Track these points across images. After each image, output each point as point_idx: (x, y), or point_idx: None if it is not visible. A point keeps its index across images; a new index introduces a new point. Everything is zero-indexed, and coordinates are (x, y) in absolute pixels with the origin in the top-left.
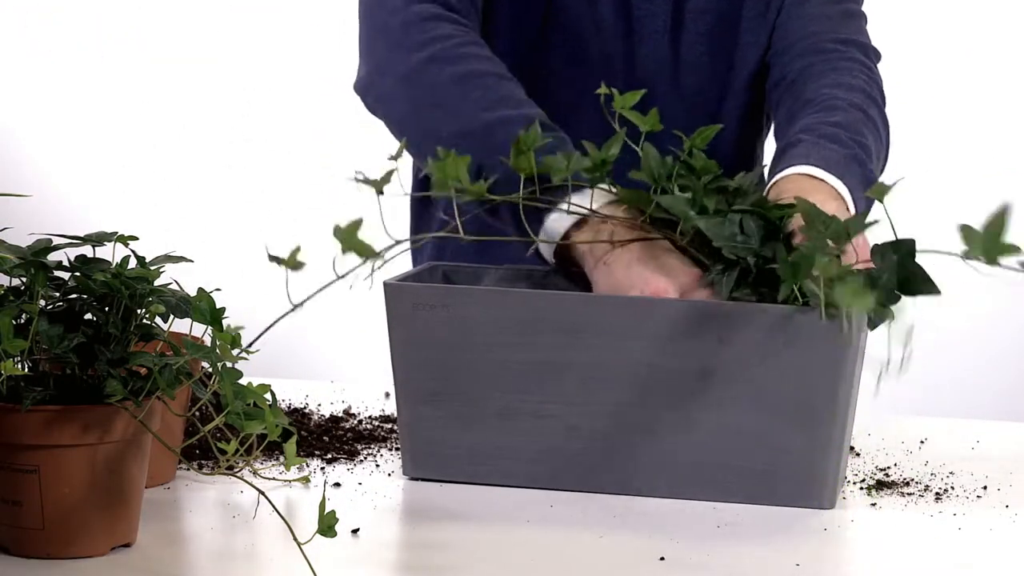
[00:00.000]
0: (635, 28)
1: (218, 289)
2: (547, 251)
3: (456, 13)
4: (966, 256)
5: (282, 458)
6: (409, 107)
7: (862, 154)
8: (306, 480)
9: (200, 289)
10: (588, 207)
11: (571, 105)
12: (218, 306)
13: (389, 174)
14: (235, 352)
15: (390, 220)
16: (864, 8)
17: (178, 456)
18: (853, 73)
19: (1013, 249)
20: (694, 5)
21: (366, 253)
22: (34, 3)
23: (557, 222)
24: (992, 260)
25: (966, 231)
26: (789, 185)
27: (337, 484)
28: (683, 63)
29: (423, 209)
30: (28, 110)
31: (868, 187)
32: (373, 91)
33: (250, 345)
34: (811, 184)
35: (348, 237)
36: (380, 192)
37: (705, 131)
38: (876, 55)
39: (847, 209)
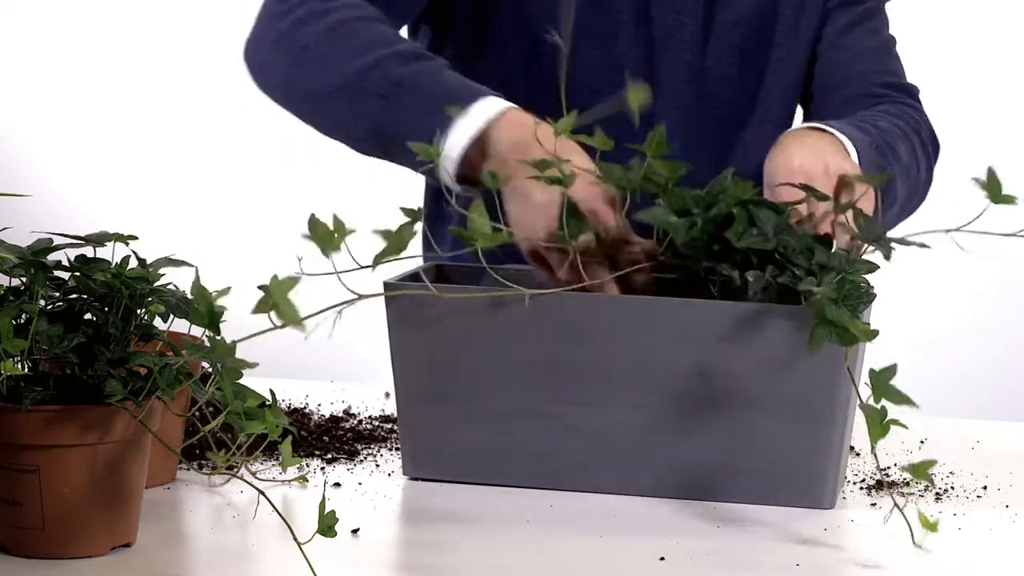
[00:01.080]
0: (658, 36)
1: (218, 290)
2: (449, 173)
3: None
4: (994, 200)
5: (281, 458)
6: (282, 72)
7: (887, 150)
8: (304, 479)
9: (200, 289)
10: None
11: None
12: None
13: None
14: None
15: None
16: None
17: (179, 457)
18: (905, 111)
19: (1011, 199)
20: (725, 17)
21: (290, 319)
22: (34, 3)
23: (457, 140)
24: (1009, 201)
25: (984, 181)
26: (792, 134)
27: (337, 484)
28: (711, 75)
29: (436, 202)
30: (28, 110)
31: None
32: (250, 61)
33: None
34: (816, 133)
35: (279, 292)
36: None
37: (676, 167)
38: (917, 92)
39: (847, 157)
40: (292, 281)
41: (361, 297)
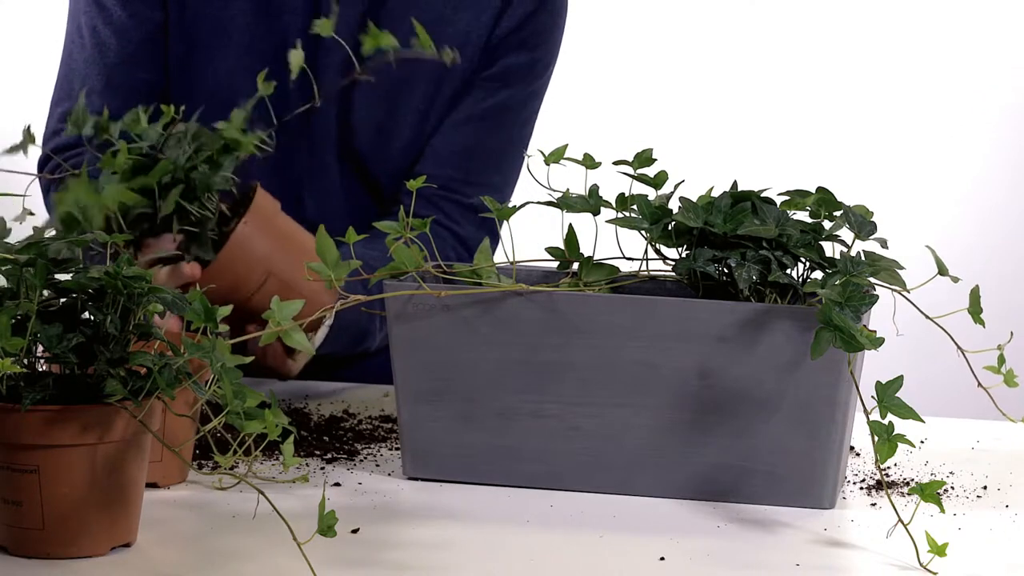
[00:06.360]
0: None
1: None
2: None
3: None
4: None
5: (282, 458)
6: None
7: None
8: (304, 479)
9: (194, 288)
10: None
11: None
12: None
13: None
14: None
15: None
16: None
17: (182, 459)
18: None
19: (979, 320)
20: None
21: (299, 346)
22: (34, 3)
23: None
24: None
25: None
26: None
27: (337, 484)
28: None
29: None
30: (28, 109)
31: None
32: None
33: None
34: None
35: (283, 316)
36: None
37: None
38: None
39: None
40: (294, 306)
41: (359, 298)
